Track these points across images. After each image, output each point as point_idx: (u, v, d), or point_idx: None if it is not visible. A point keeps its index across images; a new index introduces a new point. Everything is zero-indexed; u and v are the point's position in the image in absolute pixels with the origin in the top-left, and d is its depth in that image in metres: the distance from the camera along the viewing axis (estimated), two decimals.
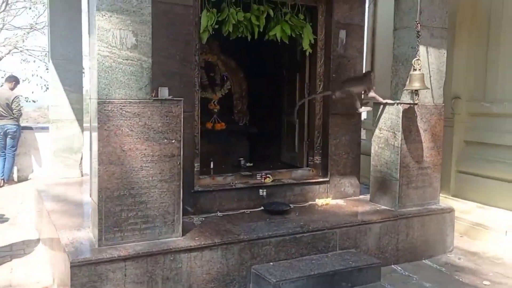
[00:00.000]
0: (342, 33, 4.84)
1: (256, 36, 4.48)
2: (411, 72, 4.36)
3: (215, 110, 5.46)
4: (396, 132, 4.53)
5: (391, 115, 4.57)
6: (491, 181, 5.26)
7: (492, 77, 5.39)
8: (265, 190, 4.51)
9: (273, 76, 5.68)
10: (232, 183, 4.48)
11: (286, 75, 5.47)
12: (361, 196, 5.06)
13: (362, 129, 5.42)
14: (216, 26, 4.25)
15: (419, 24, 4.34)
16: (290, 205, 4.50)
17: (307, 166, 5.03)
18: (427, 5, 4.50)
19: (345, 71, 4.89)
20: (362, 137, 5.37)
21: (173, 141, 3.36)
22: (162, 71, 3.82)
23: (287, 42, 4.62)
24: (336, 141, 4.90)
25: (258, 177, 4.64)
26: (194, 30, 4.10)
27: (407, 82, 4.45)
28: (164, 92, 3.39)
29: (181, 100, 3.40)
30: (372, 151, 4.79)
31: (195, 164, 4.23)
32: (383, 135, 4.67)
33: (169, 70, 3.91)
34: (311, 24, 4.78)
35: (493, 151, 5.31)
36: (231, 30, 4.29)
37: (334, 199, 4.90)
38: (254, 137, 5.80)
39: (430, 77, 4.64)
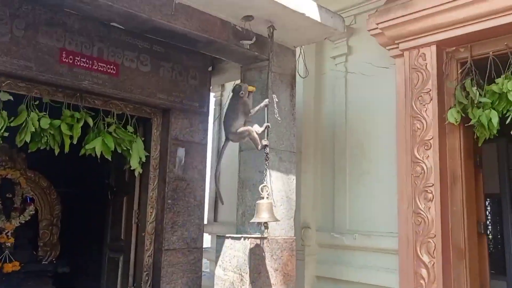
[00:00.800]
0: (181, 151, 4.08)
1: (67, 149, 3.44)
2: (259, 201, 3.70)
3: (8, 244, 4.02)
4: (243, 274, 3.68)
5: (237, 252, 3.75)
6: None
7: (340, 206, 5.07)
8: None
9: (96, 199, 4.55)
10: None
11: (112, 199, 4.40)
12: None
13: (207, 260, 4.48)
14: (6, 134, 3.13)
15: (267, 146, 3.83)
16: None
17: None
18: (275, 126, 4.07)
19: (183, 196, 4.05)
20: (206, 270, 4.40)
21: None
22: None
23: (110, 159, 3.66)
24: (170, 286, 3.84)
25: None
26: None
27: (255, 212, 3.76)
28: None
29: None
30: None
31: None
32: (228, 277, 3.78)
33: None
34: (143, 139, 3.95)
35: None
36: (28, 139, 3.20)
37: None
38: (64, 279, 4.39)
39: (279, 206, 4.05)
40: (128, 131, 3.78)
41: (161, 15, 3.32)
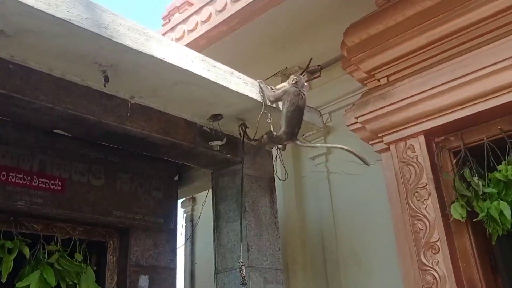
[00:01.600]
0: (144, 280, 3.33)
1: None
2: None
3: None
4: None
5: None
6: None
7: None
8: None
9: None
10: None
11: None
12: None
13: None
14: None
15: (243, 266, 3.14)
16: None
17: None
18: (255, 240, 3.43)
19: None
20: None
21: None
22: None
23: None
24: None
25: None
26: None
27: None
28: None
29: None
30: None
31: None
32: None
33: None
34: (95, 268, 3.21)
35: None
36: None
37: None
38: None
39: None
40: (76, 260, 3.05)
41: (114, 117, 2.84)
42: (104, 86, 2.53)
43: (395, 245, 3.88)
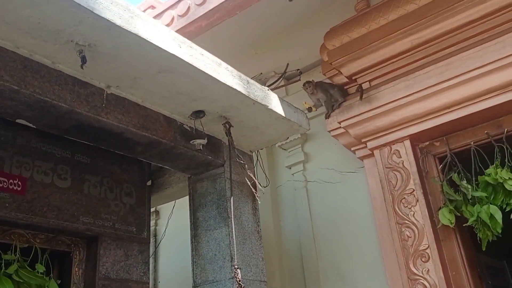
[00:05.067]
0: None
1: None
2: None
3: None
4: None
5: None
6: None
7: None
8: None
9: None
10: None
11: None
12: None
13: None
14: None
15: (238, 269, 2.85)
16: None
17: None
18: (238, 249, 3.14)
19: None
20: None
21: None
22: None
23: None
24: None
25: None
26: None
27: None
28: None
29: None
30: None
31: None
32: None
33: None
34: (59, 281, 2.80)
35: None
36: None
37: None
38: None
39: None
40: (38, 271, 2.64)
41: (89, 107, 2.51)
42: (82, 67, 2.22)
43: (380, 254, 3.72)
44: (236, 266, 2.67)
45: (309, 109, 3.84)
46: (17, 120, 2.49)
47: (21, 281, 2.51)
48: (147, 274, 3.20)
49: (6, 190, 2.56)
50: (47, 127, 2.58)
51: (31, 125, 2.53)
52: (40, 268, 2.66)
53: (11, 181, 2.59)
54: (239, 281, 2.61)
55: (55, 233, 2.83)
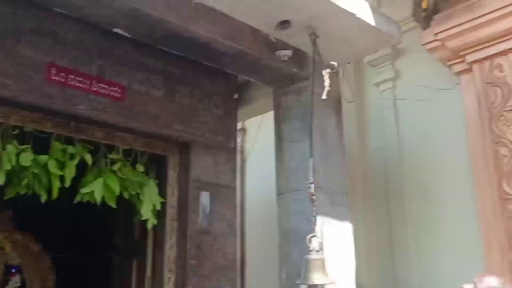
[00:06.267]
0: (205, 197, 3.20)
1: (54, 196, 2.58)
2: (308, 257, 2.74)
3: None
4: None
5: None
6: None
7: (403, 263, 4.05)
8: None
9: (98, 265, 3.62)
10: None
11: (117, 263, 3.46)
12: None
13: None
14: None
15: (312, 185, 2.91)
16: None
17: None
18: (322, 161, 3.19)
19: (210, 255, 3.11)
20: None
21: None
22: None
23: (115, 207, 2.79)
24: None
25: None
26: None
27: (302, 272, 2.79)
28: None
29: None
30: None
31: None
32: None
33: None
34: (157, 181, 3.09)
35: None
36: (2, 181, 2.36)
37: None
38: None
39: (334, 263, 3.08)
40: (138, 171, 2.93)
41: (178, 16, 2.59)
42: None
43: (469, 175, 3.58)
44: (311, 181, 2.72)
45: (425, 11, 3.54)
46: (114, 29, 2.64)
47: (124, 177, 2.81)
48: (234, 181, 3.40)
49: (108, 96, 2.79)
50: (140, 36, 2.72)
51: (126, 34, 2.68)
52: (140, 168, 2.95)
53: (111, 88, 2.82)
54: (312, 195, 2.67)
55: (151, 137, 3.08)
